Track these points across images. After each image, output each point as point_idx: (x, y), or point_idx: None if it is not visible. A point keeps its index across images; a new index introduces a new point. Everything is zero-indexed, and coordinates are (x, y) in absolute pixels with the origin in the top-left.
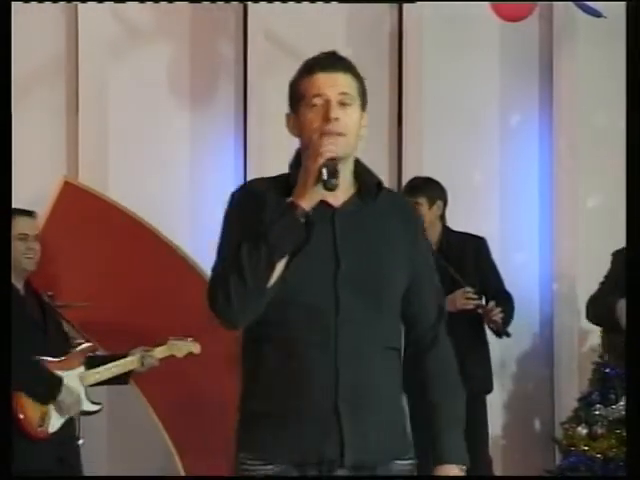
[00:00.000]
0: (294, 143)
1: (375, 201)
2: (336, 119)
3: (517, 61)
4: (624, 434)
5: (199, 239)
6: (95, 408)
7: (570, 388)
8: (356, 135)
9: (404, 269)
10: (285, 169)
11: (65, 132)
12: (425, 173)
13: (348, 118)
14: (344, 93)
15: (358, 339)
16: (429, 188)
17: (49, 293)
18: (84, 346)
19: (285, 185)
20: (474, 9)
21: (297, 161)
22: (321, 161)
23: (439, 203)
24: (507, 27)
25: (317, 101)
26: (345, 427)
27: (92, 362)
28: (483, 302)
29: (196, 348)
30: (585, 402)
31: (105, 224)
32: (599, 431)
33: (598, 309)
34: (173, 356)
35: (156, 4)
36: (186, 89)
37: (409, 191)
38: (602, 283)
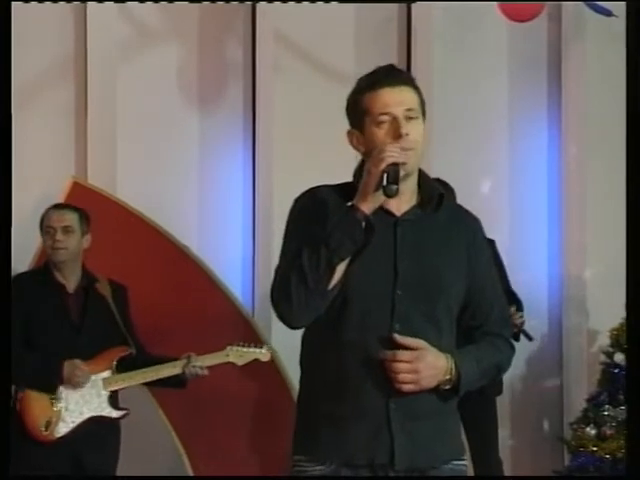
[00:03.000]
0: (302, 144)
1: (437, 212)
2: (407, 134)
3: (525, 61)
4: None
5: (207, 239)
6: (116, 414)
7: (579, 389)
8: (423, 146)
9: (461, 282)
10: (294, 170)
11: (74, 132)
12: (433, 172)
13: (416, 132)
14: (410, 109)
15: None
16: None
17: (120, 284)
18: (112, 350)
19: (348, 192)
20: (483, 9)
21: (361, 169)
22: (384, 165)
23: None
24: (515, 27)
25: (384, 118)
26: (396, 431)
27: (131, 365)
28: None
29: (264, 356)
30: (594, 403)
31: (113, 224)
32: (608, 432)
33: None
34: (231, 364)
35: (164, 5)
36: (195, 90)
37: None
38: None
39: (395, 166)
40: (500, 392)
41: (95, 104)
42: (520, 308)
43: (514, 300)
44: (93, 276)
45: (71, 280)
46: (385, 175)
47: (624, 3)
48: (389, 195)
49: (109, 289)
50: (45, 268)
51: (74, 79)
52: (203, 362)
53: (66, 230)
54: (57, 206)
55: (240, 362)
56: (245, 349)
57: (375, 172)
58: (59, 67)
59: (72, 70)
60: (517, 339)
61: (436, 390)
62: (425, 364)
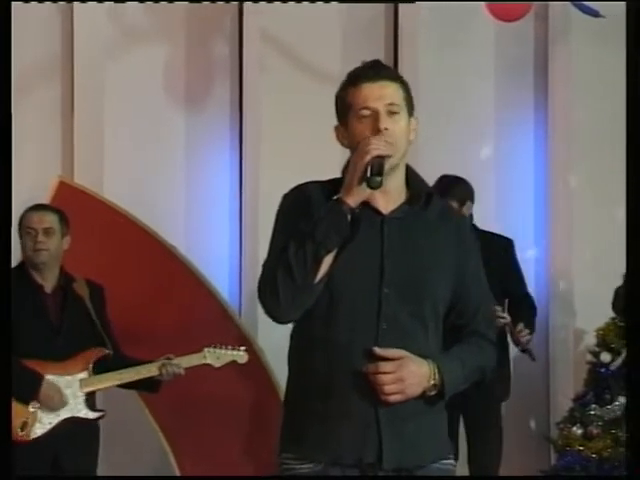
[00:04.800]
0: (289, 143)
1: (425, 211)
2: (386, 129)
3: (512, 61)
4: (619, 434)
5: (194, 239)
6: (92, 415)
7: (565, 388)
8: (405, 142)
9: (448, 281)
10: (281, 169)
11: (60, 132)
12: (419, 171)
13: (397, 126)
14: (391, 103)
15: (399, 344)
16: (459, 188)
17: (97, 285)
18: (90, 351)
19: (337, 188)
20: (470, 9)
21: (349, 165)
22: (368, 158)
23: (468, 203)
24: (502, 27)
25: (365, 112)
26: (384, 431)
27: (107, 367)
28: (509, 318)
29: (242, 358)
30: (580, 402)
31: (100, 224)
32: (594, 431)
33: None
34: (207, 365)
35: (151, 4)
36: (181, 89)
37: (440, 192)
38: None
39: (380, 159)
40: (503, 399)
41: (82, 103)
42: (534, 312)
43: (530, 303)
44: (71, 276)
45: (49, 280)
46: (369, 167)
47: (624, 3)
48: (373, 187)
49: (87, 289)
50: (21, 268)
51: (61, 78)
52: (179, 363)
53: (47, 231)
54: (37, 207)
55: (217, 364)
56: (222, 351)
57: (360, 164)
58: (46, 66)
59: (59, 69)
60: (524, 352)
61: (422, 393)
62: (408, 372)
